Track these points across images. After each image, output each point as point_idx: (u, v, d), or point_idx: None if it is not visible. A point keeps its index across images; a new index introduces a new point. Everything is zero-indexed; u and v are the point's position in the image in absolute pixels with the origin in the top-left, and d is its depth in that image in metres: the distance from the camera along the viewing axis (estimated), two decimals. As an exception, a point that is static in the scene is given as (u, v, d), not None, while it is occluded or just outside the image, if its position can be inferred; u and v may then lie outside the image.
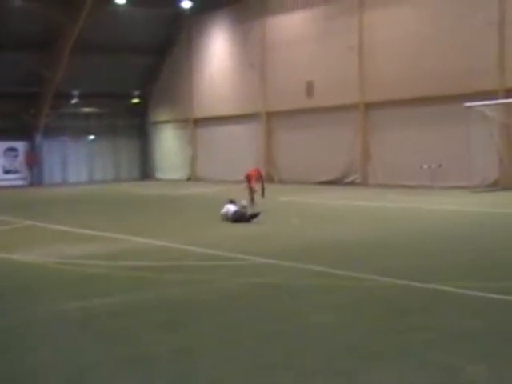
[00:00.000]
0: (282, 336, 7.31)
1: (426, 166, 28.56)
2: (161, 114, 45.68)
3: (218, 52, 40.98)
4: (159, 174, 45.56)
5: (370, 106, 32.14)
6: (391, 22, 30.92)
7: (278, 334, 7.38)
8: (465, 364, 6.20)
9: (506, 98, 26.75)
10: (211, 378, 6.07)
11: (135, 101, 45.24)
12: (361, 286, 9.74)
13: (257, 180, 22.23)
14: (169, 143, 45.49)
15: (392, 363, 6.30)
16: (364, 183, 31.96)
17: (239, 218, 17.73)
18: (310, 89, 34.74)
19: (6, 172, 41.97)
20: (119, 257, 12.93)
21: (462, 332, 7.26)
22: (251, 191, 21.72)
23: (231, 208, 18.09)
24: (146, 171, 46.52)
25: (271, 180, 36.47)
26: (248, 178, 22.19)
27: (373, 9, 31.69)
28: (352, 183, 32.42)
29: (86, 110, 44.22)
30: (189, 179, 42.14)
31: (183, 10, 40.56)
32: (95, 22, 37.82)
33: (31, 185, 41.40)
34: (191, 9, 40.10)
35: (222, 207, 18.31)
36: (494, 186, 27.12)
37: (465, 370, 6.05)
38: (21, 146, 42.34)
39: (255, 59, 37.83)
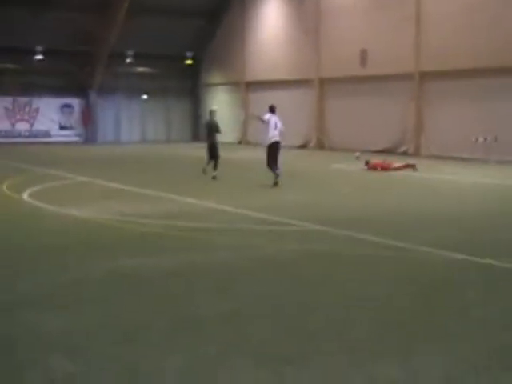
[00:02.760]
0: (328, 305, 7.30)
1: (481, 139, 28.02)
2: (213, 77, 45.58)
3: (271, 16, 40.56)
4: (210, 137, 45.59)
5: (424, 76, 31.57)
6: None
7: (324, 304, 7.37)
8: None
9: None
10: (257, 343, 6.11)
11: (189, 62, 45.19)
12: (413, 257, 9.66)
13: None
14: (220, 106, 45.44)
15: (447, 340, 6.23)
16: (416, 154, 31.56)
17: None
18: (363, 57, 34.25)
19: (62, 128, 42.54)
20: (172, 217, 13.07)
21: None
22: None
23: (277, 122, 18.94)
24: (197, 133, 46.61)
25: (322, 147, 36.30)
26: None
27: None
28: (404, 153, 32.02)
29: (140, 69, 44.37)
30: (239, 143, 42.14)
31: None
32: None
33: (86, 142, 41.94)
34: (247, -29, 39.78)
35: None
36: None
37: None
38: (76, 103, 42.81)
39: (309, 25, 37.35)
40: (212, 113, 20.96)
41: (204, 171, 19.90)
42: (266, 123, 18.87)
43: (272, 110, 19.26)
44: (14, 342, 6.17)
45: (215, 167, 19.96)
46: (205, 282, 8.32)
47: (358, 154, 25.91)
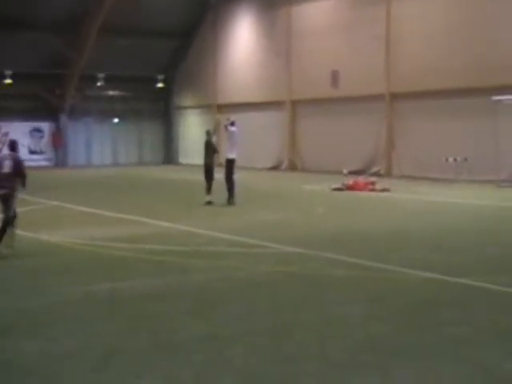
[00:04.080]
0: (306, 326, 7.29)
1: (451, 159, 28.29)
2: (185, 99, 45.60)
3: (243, 38, 40.77)
4: (182, 159, 45.55)
5: (395, 97, 31.88)
6: (419, 13, 30.51)
7: (301, 324, 7.36)
8: (499, 361, 6.13)
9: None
10: (235, 367, 6.06)
11: (160, 85, 45.16)
12: (388, 277, 9.68)
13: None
14: (192, 128, 45.44)
15: (422, 359, 6.24)
16: (388, 174, 31.77)
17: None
18: (335, 78, 34.50)
19: (32, 153, 42.06)
20: (145, 240, 12.98)
21: (494, 328, 7.18)
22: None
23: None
24: (169, 155, 46.53)
25: (294, 168, 36.39)
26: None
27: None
28: (376, 174, 32.23)
29: (111, 92, 44.26)
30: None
31: (209, -5, 40.40)
32: (121, 5, 37.79)
33: (56, 166, 41.58)
34: (217, -7, 40.06)
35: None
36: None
37: (500, 367, 5.98)
38: (46, 126, 42.42)
39: (280, 47, 37.59)
40: (208, 133, 20.60)
41: (209, 203, 18.97)
42: (231, 134, 20.21)
43: (233, 124, 20.40)
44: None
45: (208, 190, 19.26)
46: (180, 304, 8.27)
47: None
